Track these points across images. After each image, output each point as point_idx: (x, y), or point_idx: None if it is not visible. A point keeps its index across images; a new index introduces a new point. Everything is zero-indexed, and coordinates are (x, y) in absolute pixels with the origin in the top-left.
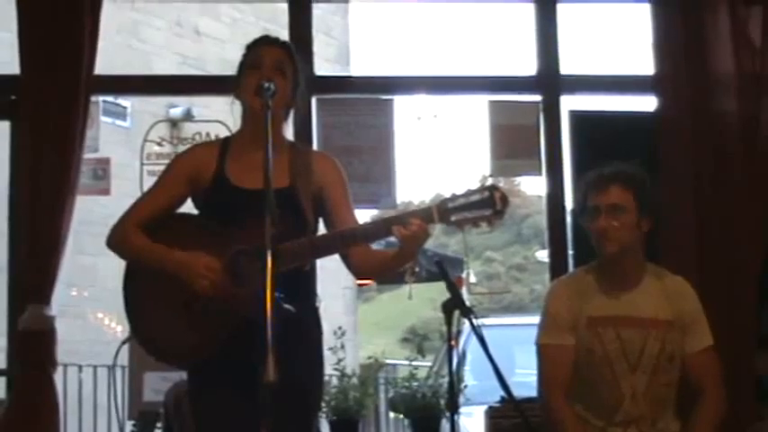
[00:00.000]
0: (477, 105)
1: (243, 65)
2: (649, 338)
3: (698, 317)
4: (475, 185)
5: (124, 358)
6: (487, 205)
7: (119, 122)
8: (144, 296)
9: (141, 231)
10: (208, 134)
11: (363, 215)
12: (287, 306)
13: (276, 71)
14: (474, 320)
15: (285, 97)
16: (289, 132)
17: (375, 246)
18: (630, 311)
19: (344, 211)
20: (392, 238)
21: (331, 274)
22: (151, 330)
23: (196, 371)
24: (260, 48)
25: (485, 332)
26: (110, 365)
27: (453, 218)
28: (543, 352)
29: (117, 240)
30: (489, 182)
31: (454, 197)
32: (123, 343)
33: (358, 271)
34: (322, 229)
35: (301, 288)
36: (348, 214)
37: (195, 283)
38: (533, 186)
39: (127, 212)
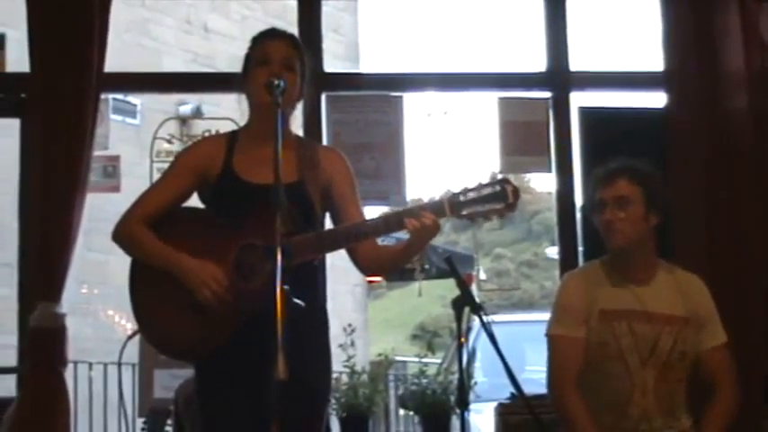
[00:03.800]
0: (487, 102)
1: (249, 58)
2: (662, 334)
3: (712, 314)
4: (486, 179)
5: (134, 356)
6: (499, 198)
7: (129, 120)
8: (150, 293)
9: (147, 226)
10: (218, 131)
11: (373, 212)
12: (296, 300)
13: (284, 67)
14: (484, 317)
15: (294, 92)
16: (296, 126)
17: (382, 241)
18: (644, 306)
19: (351, 207)
20: (398, 234)
21: (341, 272)
22: (158, 325)
23: (203, 368)
24: (267, 42)
25: (495, 329)
26: (119, 363)
27: (465, 211)
28: (554, 343)
29: (123, 235)
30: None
31: (466, 191)
32: (129, 338)
33: (366, 267)
34: (329, 224)
35: (310, 283)
36: (355, 210)
37: (198, 292)
38: (543, 183)
39: (133, 206)
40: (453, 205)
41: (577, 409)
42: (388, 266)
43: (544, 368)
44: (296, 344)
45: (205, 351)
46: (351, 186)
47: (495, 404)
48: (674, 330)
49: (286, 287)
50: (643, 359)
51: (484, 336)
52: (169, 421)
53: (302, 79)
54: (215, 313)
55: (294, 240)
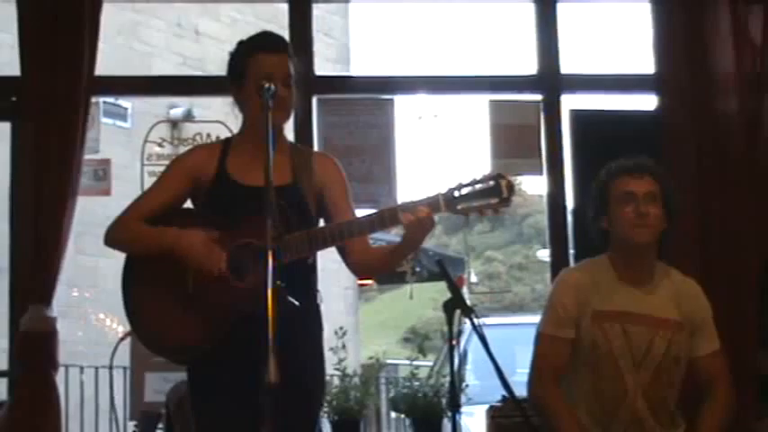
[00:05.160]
0: (478, 105)
1: (245, 68)
2: (656, 338)
3: (707, 320)
4: (480, 174)
5: (125, 359)
6: (494, 193)
7: (119, 123)
8: (143, 292)
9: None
10: (208, 135)
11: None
12: (291, 299)
13: (285, 85)
14: (475, 320)
15: (291, 106)
16: (287, 129)
17: (373, 243)
18: (640, 309)
19: (345, 213)
20: (389, 237)
21: (332, 275)
22: (151, 326)
23: (196, 369)
24: (266, 57)
25: (486, 331)
26: (110, 366)
27: (460, 206)
28: (541, 341)
29: (117, 232)
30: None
31: (460, 186)
32: (120, 340)
33: (359, 268)
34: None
35: (304, 282)
36: (347, 214)
37: (200, 263)
38: (534, 185)
39: (126, 209)
40: (448, 200)
41: (557, 402)
42: (380, 266)
43: None
44: (290, 343)
45: (198, 351)
46: (344, 192)
47: (486, 407)
48: (668, 334)
49: (282, 284)
50: (636, 362)
51: (475, 338)
52: (160, 425)
53: (297, 87)
54: (209, 311)
55: (285, 239)
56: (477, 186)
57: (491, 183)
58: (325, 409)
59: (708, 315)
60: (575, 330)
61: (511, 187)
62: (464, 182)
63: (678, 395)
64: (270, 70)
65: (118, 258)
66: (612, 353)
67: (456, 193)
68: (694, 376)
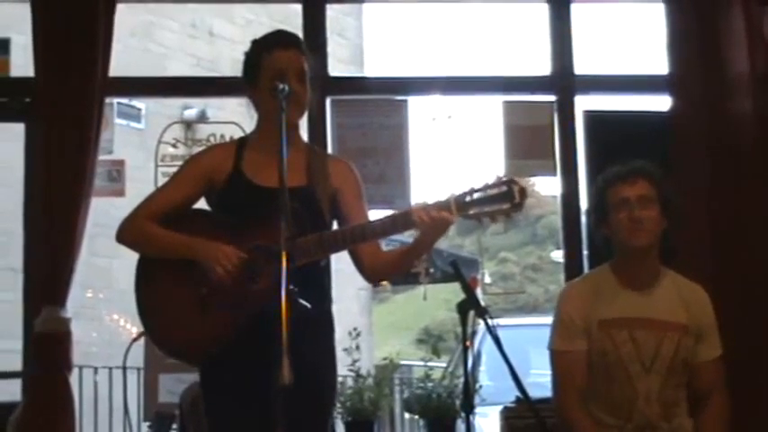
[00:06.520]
0: (492, 106)
1: (258, 66)
2: (665, 340)
3: (712, 326)
4: (493, 179)
5: (139, 360)
6: (506, 198)
7: (133, 124)
8: (156, 293)
9: (155, 223)
10: (222, 136)
11: (377, 216)
12: (302, 302)
13: (299, 80)
14: (489, 321)
15: (306, 103)
16: (301, 132)
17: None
18: (646, 313)
19: (357, 215)
20: (402, 237)
21: (346, 276)
22: (163, 327)
23: (209, 370)
24: (280, 53)
25: (500, 332)
26: (123, 366)
27: (471, 211)
28: (557, 358)
29: (129, 231)
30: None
31: (472, 191)
32: (133, 341)
33: (371, 272)
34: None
35: (316, 286)
36: (361, 217)
37: (212, 270)
38: (548, 186)
39: (139, 206)
40: (460, 205)
41: (582, 422)
42: (392, 268)
43: (549, 372)
44: (301, 345)
45: (210, 352)
46: (358, 196)
47: (500, 408)
48: (676, 336)
49: (293, 288)
50: (646, 366)
51: (489, 339)
52: (174, 425)
53: (311, 84)
54: (221, 313)
55: (297, 242)
56: (489, 191)
57: (503, 188)
58: (339, 410)
59: (713, 321)
60: (586, 341)
61: (523, 192)
62: (476, 186)
63: (685, 395)
64: (283, 66)
65: (131, 259)
66: (622, 359)
67: (468, 198)
68: (693, 382)
